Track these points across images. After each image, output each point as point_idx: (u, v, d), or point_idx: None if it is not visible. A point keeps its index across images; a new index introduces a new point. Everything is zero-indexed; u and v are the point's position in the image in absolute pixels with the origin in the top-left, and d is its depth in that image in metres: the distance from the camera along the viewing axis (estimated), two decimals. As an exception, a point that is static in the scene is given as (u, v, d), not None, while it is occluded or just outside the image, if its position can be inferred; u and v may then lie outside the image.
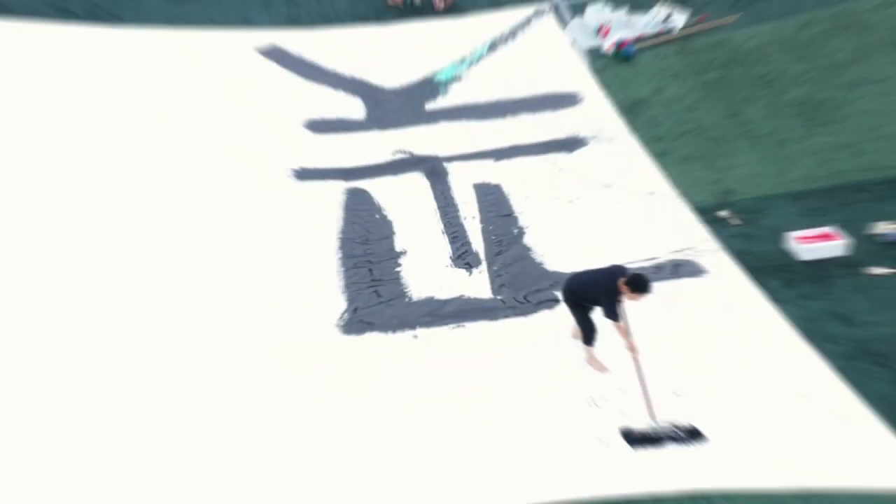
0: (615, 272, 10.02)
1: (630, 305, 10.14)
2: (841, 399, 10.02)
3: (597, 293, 10.10)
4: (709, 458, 9.56)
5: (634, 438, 9.77)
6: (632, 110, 15.27)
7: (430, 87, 16.86)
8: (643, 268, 12.16)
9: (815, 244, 11.84)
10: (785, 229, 12.23)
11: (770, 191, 13.05)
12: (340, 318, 12.03)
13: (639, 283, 9.73)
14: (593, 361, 10.74)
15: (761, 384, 10.32)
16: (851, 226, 12.04)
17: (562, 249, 12.93)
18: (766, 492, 9.08)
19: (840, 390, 10.08)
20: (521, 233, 13.51)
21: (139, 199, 14.08)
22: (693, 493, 9.17)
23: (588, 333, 10.63)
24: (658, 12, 16.76)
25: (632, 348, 10.00)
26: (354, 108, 16.22)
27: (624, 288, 9.79)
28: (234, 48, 16.91)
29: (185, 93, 16.04)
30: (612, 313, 9.92)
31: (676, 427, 9.79)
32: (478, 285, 12.51)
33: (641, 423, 9.90)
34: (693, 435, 9.70)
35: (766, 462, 9.47)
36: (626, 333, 9.99)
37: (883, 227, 11.95)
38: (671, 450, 9.67)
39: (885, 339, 10.46)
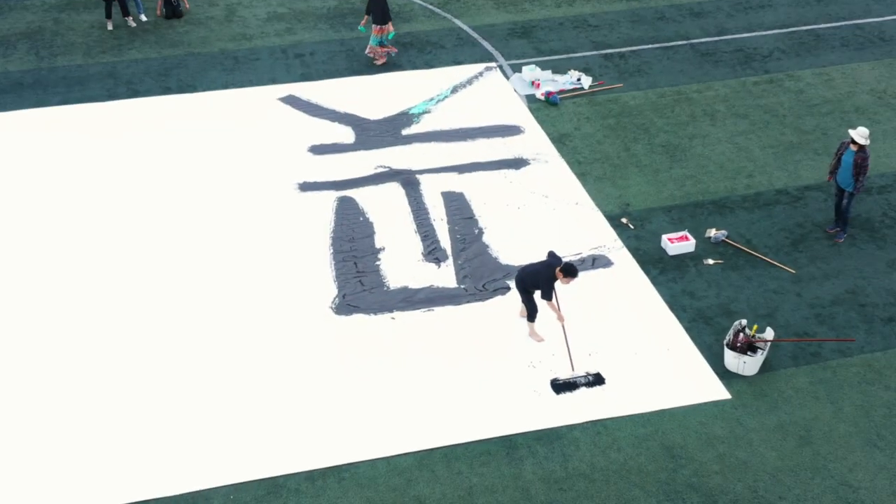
0: (553, 263, 11.85)
1: (563, 288, 12.27)
2: (686, 347, 12.40)
3: (538, 280, 11.84)
4: (605, 395, 11.67)
5: (559, 385, 11.71)
6: (559, 140, 17.24)
7: (406, 118, 17.96)
8: (572, 260, 13.73)
9: (677, 244, 14.19)
10: (661, 232, 14.68)
11: (651, 205, 15.44)
12: (332, 301, 13.23)
13: (570, 270, 11.63)
14: (533, 334, 12.51)
15: (644, 340, 12.54)
16: (695, 231, 14.67)
17: (513, 246, 14.29)
18: (640, 413, 11.40)
19: (686, 341, 12.48)
20: (481, 233, 14.62)
21: (185, 202, 15.51)
22: (594, 420, 11.33)
23: (532, 312, 12.31)
24: (572, 75, 19.15)
25: (560, 318, 11.99)
26: (346, 134, 17.45)
27: (559, 274, 11.65)
28: (264, 99, 18.79)
29: (231, 129, 17.75)
30: (548, 294, 11.79)
31: (588, 374, 11.85)
32: (445, 276, 13.73)
33: (565, 374, 11.88)
34: (598, 379, 11.81)
35: (641, 392, 11.67)
36: (555, 308, 11.91)
37: (711, 233, 14.58)
38: (582, 392, 11.68)
39: (711, 308, 13.16)
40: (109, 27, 21.52)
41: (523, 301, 12.26)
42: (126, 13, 21.54)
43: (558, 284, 11.87)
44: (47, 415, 11.47)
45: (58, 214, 15.21)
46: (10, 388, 11.85)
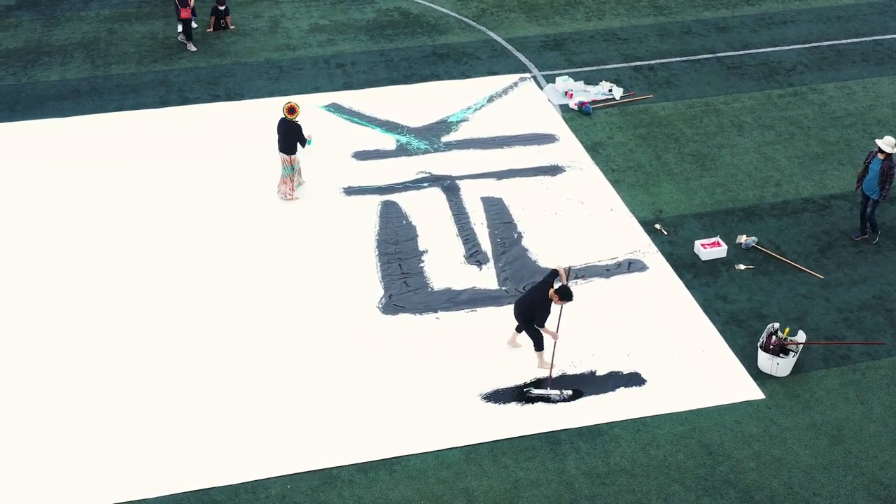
0: (548, 280, 11.40)
1: (596, 294, 12.63)
2: (721, 349, 12.42)
3: (533, 308, 11.38)
4: (644, 394, 11.70)
5: (531, 397, 11.62)
6: (593, 149, 17.24)
7: (444, 125, 18.01)
8: (608, 265, 13.71)
9: (709, 249, 14.19)
10: (693, 238, 14.67)
11: (683, 212, 15.43)
12: (379, 301, 13.30)
13: (565, 293, 11.21)
14: (543, 364, 12.01)
15: (680, 342, 12.55)
16: (726, 237, 14.64)
17: (551, 250, 14.31)
18: (678, 412, 11.41)
19: (721, 343, 12.49)
20: (520, 236, 14.65)
21: (236, 204, 15.61)
22: (634, 418, 11.38)
23: (538, 342, 11.84)
24: (604, 85, 19.07)
25: (554, 336, 11.58)
26: (388, 142, 17.52)
27: (554, 297, 11.24)
28: (309, 106, 18.81)
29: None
30: (542, 321, 11.35)
31: (563, 393, 11.68)
32: (486, 278, 13.77)
33: (538, 389, 11.87)
34: (574, 397, 11.66)
35: (679, 391, 11.69)
36: (552, 333, 11.52)
37: (742, 239, 14.54)
38: (621, 391, 11.74)
39: (744, 311, 13.15)
40: (192, 48, 21.44)
41: (527, 332, 11.78)
42: (189, 38, 21.50)
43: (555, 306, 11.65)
44: (100, 406, 11.62)
45: (112, 216, 15.35)
46: (64, 384, 12.04)
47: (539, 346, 11.83)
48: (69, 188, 16.09)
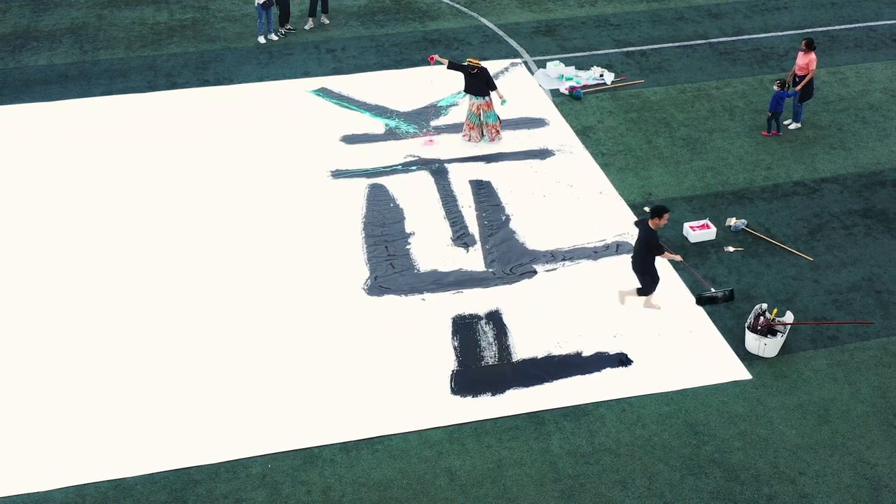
0: (643, 220, 11.97)
1: (594, 270, 12.76)
2: (708, 330, 12.29)
3: (647, 245, 11.81)
4: (630, 374, 11.58)
5: (703, 298, 12.00)
6: (583, 133, 17.14)
7: (434, 109, 17.95)
8: (596, 247, 13.60)
9: (698, 231, 14.08)
10: (682, 221, 14.53)
11: (673, 195, 15.32)
12: (364, 283, 13.21)
13: (658, 210, 11.74)
14: (649, 304, 12.57)
15: (667, 323, 12.43)
16: (716, 220, 14.51)
17: (539, 232, 14.22)
18: (664, 392, 11.30)
19: (708, 324, 12.37)
20: (508, 219, 14.56)
21: (222, 187, 15.58)
22: (619, 398, 11.27)
23: (647, 287, 12.33)
24: (595, 70, 18.98)
25: (678, 258, 12.05)
26: (377, 126, 17.43)
27: (653, 223, 11.77)
28: (297, 91, 18.75)
29: (266, 119, 17.75)
30: (660, 250, 11.86)
31: (725, 291, 12.10)
32: (473, 260, 13.67)
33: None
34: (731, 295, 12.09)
35: (665, 371, 11.57)
36: (672, 255, 12.00)
37: (731, 221, 14.45)
38: (607, 371, 11.60)
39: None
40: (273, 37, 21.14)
41: (643, 282, 12.23)
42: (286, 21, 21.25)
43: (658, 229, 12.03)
44: (79, 384, 11.51)
45: (98, 198, 15.24)
46: (68, 371, 11.93)
47: (647, 290, 12.31)
48: (55, 172, 15.98)
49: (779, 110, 16.51)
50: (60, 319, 12.59)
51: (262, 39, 20.90)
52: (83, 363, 11.81)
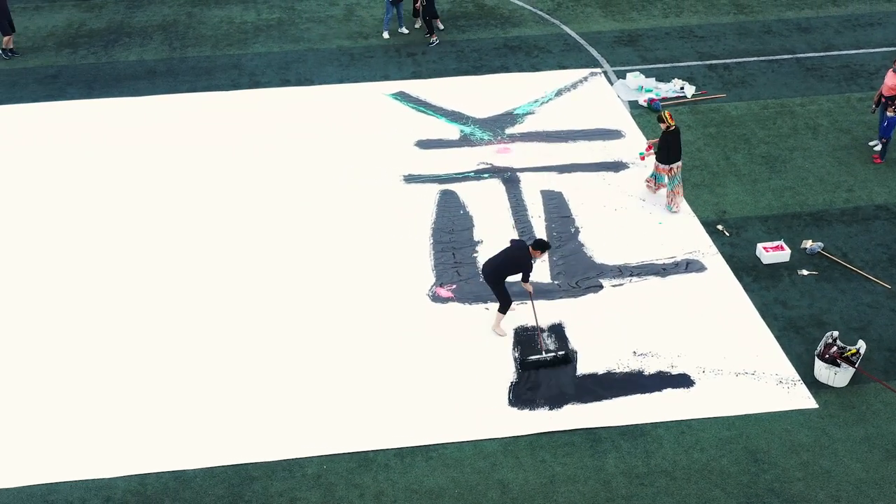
0: (523, 245, 11.91)
1: (657, 289, 12.72)
2: (776, 354, 12.04)
3: (519, 265, 11.82)
4: (691, 396, 11.42)
5: (527, 363, 11.81)
6: (660, 147, 16.60)
7: (510, 117, 17.88)
8: (665, 264, 13.43)
9: (772, 252, 13.75)
10: (756, 241, 14.21)
11: (748, 213, 14.99)
12: (429, 289, 13.26)
13: (541, 245, 11.79)
14: (498, 328, 12.40)
15: (733, 345, 12.20)
16: (791, 242, 14.15)
17: (607, 246, 14.08)
18: (726, 416, 11.09)
19: (776, 349, 12.11)
20: (577, 231, 14.46)
21: (298, 186, 15.78)
22: (679, 420, 11.13)
23: (505, 303, 12.17)
24: (675, 83, 18.68)
25: (529, 290, 12.08)
26: (452, 131, 17.47)
27: (535, 253, 11.78)
28: (375, 94, 18.92)
29: (342, 121, 17.94)
30: (527, 276, 11.87)
31: (556, 352, 11.90)
32: (540, 272, 13.60)
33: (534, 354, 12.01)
34: (565, 358, 11.84)
35: (728, 395, 11.36)
36: (529, 287, 12.09)
37: (808, 244, 14.08)
38: (668, 391, 11.43)
39: (803, 318, 12.71)
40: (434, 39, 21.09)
41: (495, 293, 12.08)
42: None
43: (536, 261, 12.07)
44: (161, 382, 11.84)
45: (178, 191, 15.67)
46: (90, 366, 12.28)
47: (506, 307, 12.13)
48: (137, 166, 16.47)
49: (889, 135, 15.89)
50: (138, 313, 12.99)
51: (386, 35, 21.25)
52: (153, 358, 12.15)
